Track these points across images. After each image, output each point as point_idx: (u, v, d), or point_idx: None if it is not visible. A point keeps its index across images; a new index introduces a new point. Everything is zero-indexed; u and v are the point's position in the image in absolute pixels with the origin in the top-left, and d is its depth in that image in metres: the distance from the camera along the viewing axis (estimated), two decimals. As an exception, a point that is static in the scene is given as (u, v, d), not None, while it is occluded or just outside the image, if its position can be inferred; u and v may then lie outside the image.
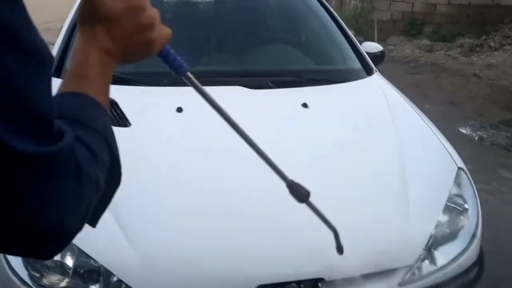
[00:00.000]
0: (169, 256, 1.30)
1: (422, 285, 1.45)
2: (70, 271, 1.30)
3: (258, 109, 1.85)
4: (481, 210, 1.67)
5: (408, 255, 1.43)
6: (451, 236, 1.57)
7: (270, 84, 1.99)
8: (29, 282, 1.29)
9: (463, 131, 4.81)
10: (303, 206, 1.45)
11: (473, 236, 1.59)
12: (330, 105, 1.92)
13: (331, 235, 1.40)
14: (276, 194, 1.47)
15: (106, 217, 1.31)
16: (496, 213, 2.86)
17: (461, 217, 1.63)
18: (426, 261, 1.48)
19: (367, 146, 1.74)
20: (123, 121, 1.66)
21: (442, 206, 1.57)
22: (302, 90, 1.98)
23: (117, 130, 1.64)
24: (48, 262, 1.30)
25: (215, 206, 1.41)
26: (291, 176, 1.04)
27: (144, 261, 1.28)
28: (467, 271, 1.55)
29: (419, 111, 2.03)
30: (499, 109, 5.53)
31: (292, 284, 1.31)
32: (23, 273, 1.30)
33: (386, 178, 1.61)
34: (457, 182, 1.69)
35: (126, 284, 1.26)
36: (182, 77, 0.71)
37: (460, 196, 1.66)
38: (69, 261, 1.29)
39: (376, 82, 2.20)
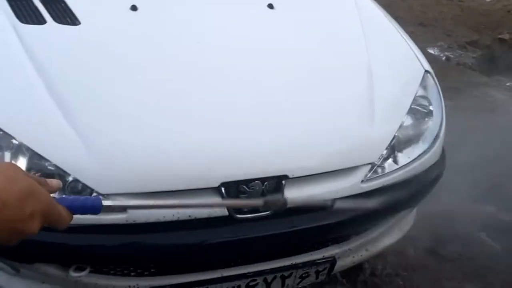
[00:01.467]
0: (127, 153, 1.25)
1: (385, 183, 1.47)
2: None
3: (221, 10, 1.75)
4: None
5: (371, 154, 1.44)
6: (414, 137, 1.58)
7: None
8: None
9: (431, 51, 4.82)
10: (269, 102, 1.42)
11: (436, 137, 1.61)
12: (298, 7, 1.82)
13: (296, 132, 1.38)
14: (238, 91, 1.44)
15: (57, 117, 1.27)
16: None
17: (426, 119, 1.63)
18: (389, 160, 1.50)
19: (335, 48, 1.69)
20: (71, 19, 1.54)
21: (407, 108, 1.56)
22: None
23: (64, 29, 1.55)
24: None
25: (174, 103, 1.35)
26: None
27: (100, 159, 1.23)
28: (428, 170, 1.58)
29: (389, 17, 1.97)
30: (468, 30, 5.54)
31: (256, 181, 1.30)
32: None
33: (352, 80, 1.58)
34: (423, 85, 1.68)
35: (82, 183, 1.22)
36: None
37: (425, 98, 1.66)
38: (21, 164, 1.22)
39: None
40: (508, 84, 4.30)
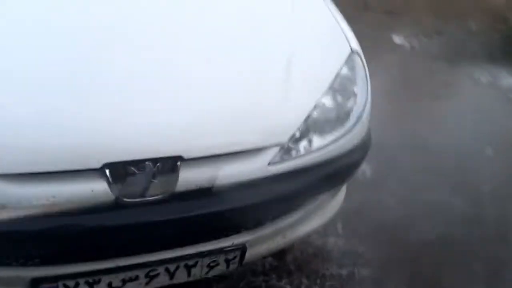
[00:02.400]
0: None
1: (296, 165, 1.37)
2: None
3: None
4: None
5: (279, 135, 1.33)
6: (334, 119, 1.48)
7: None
8: None
9: (397, 40, 4.75)
10: (170, 75, 1.30)
11: (358, 120, 1.52)
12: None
13: (194, 109, 1.27)
14: (137, 61, 1.31)
15: None
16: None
17: (348, 100, 1.53)
18: (304, 142, 1.40)
19: (256, 23, 1.57)
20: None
21: (325, 87, 1.46)
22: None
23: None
24: None
25: (62, 73, 1.21)
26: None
27: None
28: (347, 154, 1.49)
29: None
30: (435, 19, 5.49)
31: (147, 163, 1.18)
32: None
33: (267, 55, 1.47)
34: (349, 64, 1.58)
35: None
36: None
37: (349, 79, 1.56)
38: None
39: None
40: (469, 70, 4.26)
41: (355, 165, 1.54)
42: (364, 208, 2.21)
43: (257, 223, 1.43)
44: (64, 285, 1.27)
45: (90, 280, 1.29)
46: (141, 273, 1.33)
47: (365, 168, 2.44)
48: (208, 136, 1.24)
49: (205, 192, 1.26)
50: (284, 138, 1.33)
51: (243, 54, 1.43)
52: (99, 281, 1.30)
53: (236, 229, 1.40)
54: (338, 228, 2.13)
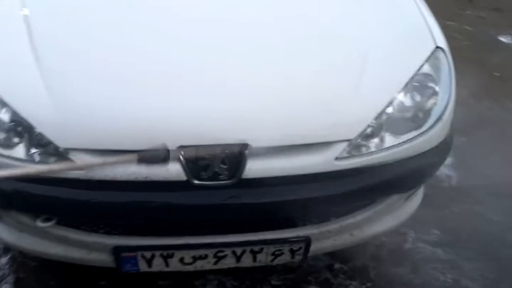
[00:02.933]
0: (88, 109, 1.26)
1: (363, 163, 1.35)
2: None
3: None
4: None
5: (348, 130, 1.32)
6: (411, 117, 1.43)
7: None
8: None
9: (503, 39, 4.37)
10: (244, 67, 1.36)
11: (437, 121, 1.45)
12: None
13: (264, 99, 1.31)
14: (208, 53, 1.39)
15: (31, 68, 1.31)
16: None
17: (428, 100, 1.48)
18: (375, 139, 1.38)
19: (334, 14, 1.58)
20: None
21: (402, 84, 1.42)
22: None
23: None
24: None
25: (145, 66, 1.34)
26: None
27: (61, 112, 1.25)
28: (423, 155, 1.43)
29: None
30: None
31: (216, 147, 1.26)
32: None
33: (343, 48, 1.47)
34: (432, 62, 1.52)
35: (46, 137, 1.25)
36: None
37: (431, 76, 1.50)
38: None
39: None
40: None
41: (430, 169, 1.48)
42: (460, 218, 2.10)
43: (322, 218, 1.44)
44: (142, 255, 1.40)
45: (165, 253, 1.40)
46: (209, 252, 1.42)
47: (452, 175, 2.32)
48: (275, 127, 1.28)
49: (270, 181, 1.30)
50: (353, 134, 1.33)
51: (318, 49, 1.45)
52: (172, 256, 1.41)
53: (301, 221, 1.42)
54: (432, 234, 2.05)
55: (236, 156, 1.27)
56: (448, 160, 2.37)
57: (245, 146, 1.26)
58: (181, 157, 1.25)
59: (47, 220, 1.36)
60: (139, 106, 1.27)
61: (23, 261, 1.84)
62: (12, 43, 1.41)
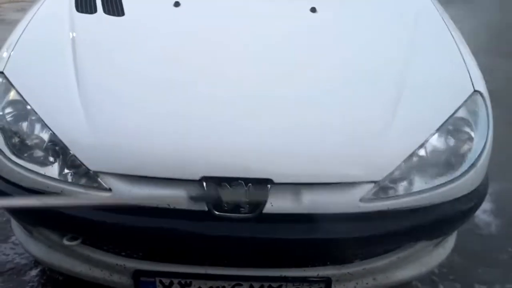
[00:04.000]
0: (120, 135, 1.31)
1: (390, 206, 1.31)
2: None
3: (266, 11, 1.75)
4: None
5: (375, 171, 1.30)
6: (442, 162, 1.39)
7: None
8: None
9: None
10: (271, 101, 1.38)
11: (471, 167, 1.40)
12: (341, 11, 1.74)
13: (289, 135, 1.31)
14: (241, 89, 1.42)
15: (73, 92, 1.38)
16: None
17: (463, 145, 1.43)
18: (403, 182, 1.34)
19: (371, 54, 1.58)
20: (118, 11, 1.67)
21: (436, 126, 1.38)
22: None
23: (108, 18, 1.69)
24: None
25: (178, 98, 1.39)
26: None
27: (95, 136, 1.30)
28: (453, 202, 1.38)
29: (453, 26, 1.77)
30: None
31: (239, 181, 1.27)
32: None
33: (376, 88, 1.45)
34: (469, 106, 1.47)
35: (78, 159, 1.30)
36: None
37: (467, 121, 1.45)
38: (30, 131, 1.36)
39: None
40: None
41: (461, 217, 1.41)
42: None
43: (344, 259, 1.41)
44: (160, 281, 1.41)
45: (183, 281, 1.41)
46: (227, 284, 1.41)
47: (491, 221, 2.21)
48: (299, 164, 1.28)
49: (292, 218, 1.29)
50: (379, 176, 1.30)
51: (349, 87, 1.44)
52: (190, 284, 1.41)
53: (322, 261, 1.39)
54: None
55: (258, 190, 1.26)
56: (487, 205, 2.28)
57: (268, 181, 1.26)
58: (204, 186, 1.26)
59: (73, 238, 1.40)
60: (166, 136, 1.31)
61: (51, 275, 1.89)
62: (57, 66, 1.49)
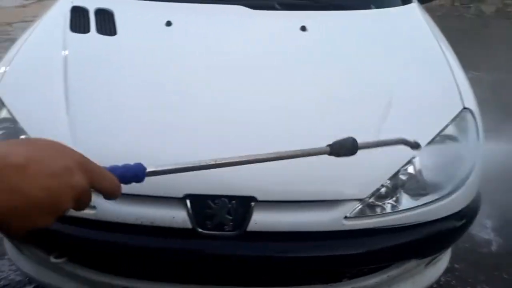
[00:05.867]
0: (102, 153, 1.31)
1: (377, 223, 1.30)
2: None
3: (256, 30, 1.76)
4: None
5: (360, 189, 1.29)
6: (430, 180, 1.37)
7: (277, 6, 1.86)
8: None
9: None
10: (255, 121, 1.38)
11: (460, 185, 1.38)
12: (331, 29, 1.75)
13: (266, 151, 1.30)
14: (225, 109, 1.43)
15: (60, 110, 1.40)
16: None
17: (451, 162, 1.41)
18: (391, 200, 1.32)
19: (360, 73, 1.58)
20: (111, 31, 1.70)
21: (424, 143, 1.37)
22: (305, 14, 1.83)
23: (100, 38, 1.71)
24: None
25: (162, 120, 1.39)
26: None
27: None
28: (441, 221, 1.36)
29: (445, 42, 1.77)
30: None
31: (222, 199, 1.26)
32: None
33: (368, 100, 1.45)
34: (458, 123, 1.46)
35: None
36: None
37: (455, 139, 1.44)
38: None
39: (406, 11, 1.95)
40: None
41: (451, 235, 1.39)
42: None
43: (331, 278, 1.38)
44: (147, 299, 1.40)
45: (169, 300, 1.40)
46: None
47: (493, 239, 2.16)
48: (283, 182, 1.27)
49: (276, 236, 1.28)
50: (364, 194, 1.28)
51: (337, 104, 1.45)
52: (176, 303, 1.40)
53: (307, 280, 1.37)
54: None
55: (242, 208, 1.26)
56: (488, 223, 2.24)
57: (252, 199, 1.26)
58: (188, 205, 1.26)
59: (60, 256, 1.40)
60: (154, 157, 1.30)
61: (44, 292, 1.89)
62: (48, 85, 1.52)
